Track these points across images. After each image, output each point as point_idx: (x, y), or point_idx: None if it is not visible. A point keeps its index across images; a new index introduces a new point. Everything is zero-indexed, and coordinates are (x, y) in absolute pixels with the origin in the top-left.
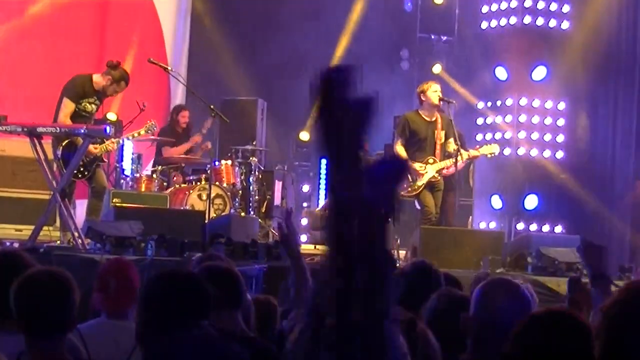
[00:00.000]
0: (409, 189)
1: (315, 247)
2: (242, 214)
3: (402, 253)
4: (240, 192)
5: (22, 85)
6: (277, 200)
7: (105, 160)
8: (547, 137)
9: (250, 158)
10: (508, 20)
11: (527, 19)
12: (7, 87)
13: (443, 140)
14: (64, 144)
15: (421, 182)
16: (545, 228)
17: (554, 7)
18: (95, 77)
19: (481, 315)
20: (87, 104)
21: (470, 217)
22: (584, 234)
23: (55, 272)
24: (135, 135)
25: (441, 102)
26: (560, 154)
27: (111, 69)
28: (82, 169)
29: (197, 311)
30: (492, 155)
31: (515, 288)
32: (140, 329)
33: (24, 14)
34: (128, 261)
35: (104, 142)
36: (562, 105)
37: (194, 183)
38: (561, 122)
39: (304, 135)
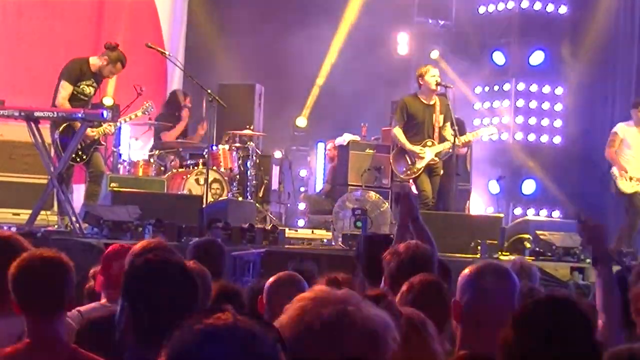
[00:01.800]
0: (409, 172)
1: (312, 231)
2: (240, 198)
3: None
4: (237, 176)
5: (20, 69)
6: (275, 185)
7: (103, 143)
8: (545, 122)
9: (248, 143)
10: (506, 4)
11: (525, 4)
12: (5, 72)
13: (441, 123)
14: (61, 128)
15: (420, 164)
16: (543, 213)
17: None
18: (92, 60)
19: (470, 299)
20: (85, 87)
21: (468, 202)
22: (581, 213)
23: (50, 254)
24: (133, 117)
25: (439, 87)
26: (557, 139)
27: (108, 51)
28: (80, 153)
29: (186, 302)
30: (491, 137)
31: (504, 271)
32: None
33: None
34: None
35: (101, 125)
36: (559, 90)
37: (191, 167)
38: (559, 107)
39: (301, 122)
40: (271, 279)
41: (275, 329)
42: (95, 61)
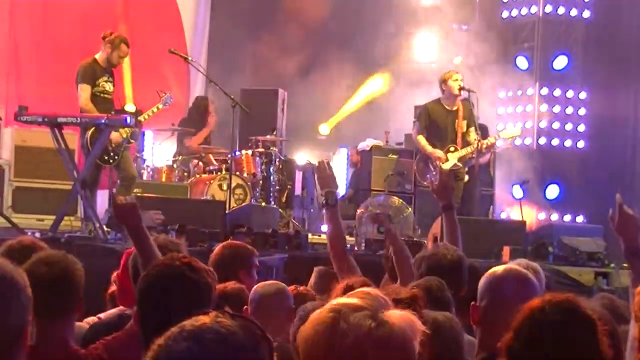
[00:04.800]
0: (433, 179)
1: None
2: (263, 203)
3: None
4: (260, 182)
5: (43, 76)
6: (298, 190)
7: (133, 140)
8: (569, 126)
9: (271, 148)
10: (529, 9)
11: (548, 8)
12: (29, 78)
13: (464, 129)
14: (91, 131)
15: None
16: (567, 218)
17: None
18: (98, 56)
19: (488, 304)
20: (104, 83)
21: (492, 206)
22: (621, 203)
23: (57, 257)
24: (155, 110)
25: (462, 91)
26: (581, 144)
27: (108, 39)
28: (111, 154)
29: (196, 304)
30: (514, 138)
31: (524, 277)
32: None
33: (47, 7)
34: None
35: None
36: (583, 95)
37: (214, 173)
38: (582, 111)
39: (324, 129)
40: (256, 289)
41: (261, 329)
42: (101, 56)
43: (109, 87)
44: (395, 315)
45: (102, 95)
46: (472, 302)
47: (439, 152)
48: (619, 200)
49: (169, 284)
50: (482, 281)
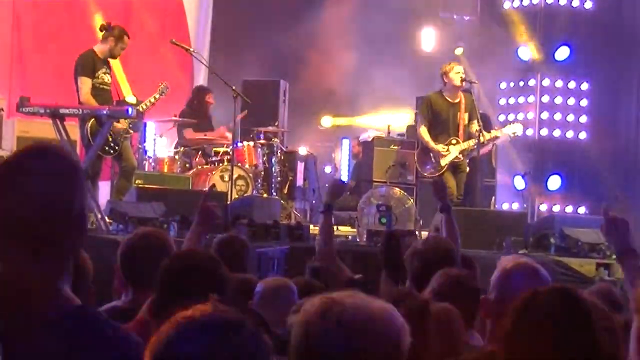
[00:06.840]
0: (432, 170)
1: (337, 228)
2: (265, 195)
3: (425, 234)
4: (262, 173)
5: (46, 67)
6: (300, 182)
7: (132, 131)
8: (570, 117)
9: (273, 139)
10: (531, 0)
11: None
12: (32, 69)
13: (466, 121)
14: (90, 122)
15: (444, 162)
16: (569, 209)
17: None
18: (97, 48)
19: (501, 297)
20: (103, 75)
21: (493, 197)
22: (609, 207)
23: None
24: (152, 100)
25: (464, 83)
26: (583, 135)
27: (108, 32)
28: (112, 144)
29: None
30: (515, 134)
31: (535, 270)
32: (155, 308)
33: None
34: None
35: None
36: (585, 86)
37: (216, 164)
38: (584, 102)
39: (326, 121)
40: (261, 282)
41: (260, 317)
42: (101, 48)
43: (107, 78)
44: (379, 307)
45: (101, 86)
46: (483, 296)
47: (439, 147)
48: (604, 208)
49: (193, 274)
50: (494, 274)
